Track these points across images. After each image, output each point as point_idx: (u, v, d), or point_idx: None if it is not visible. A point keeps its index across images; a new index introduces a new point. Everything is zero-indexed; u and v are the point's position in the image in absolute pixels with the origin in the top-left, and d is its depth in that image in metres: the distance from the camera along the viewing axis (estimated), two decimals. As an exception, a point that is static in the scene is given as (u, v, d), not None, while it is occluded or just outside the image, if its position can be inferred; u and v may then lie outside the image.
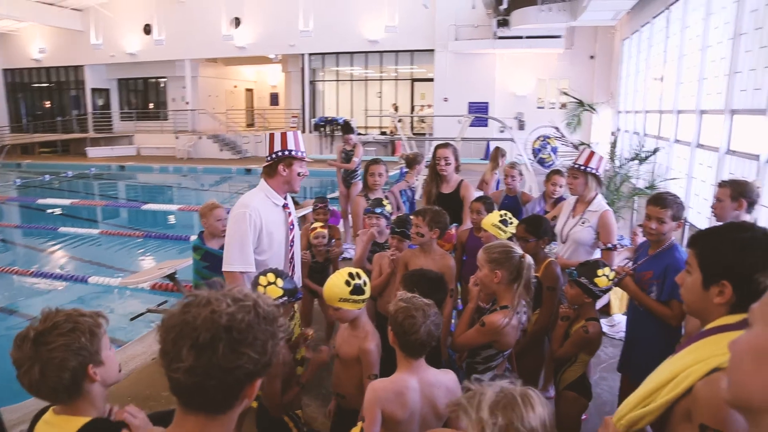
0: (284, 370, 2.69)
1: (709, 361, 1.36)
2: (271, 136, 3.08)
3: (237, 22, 23.69)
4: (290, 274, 3.10)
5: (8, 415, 3.66)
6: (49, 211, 13.84)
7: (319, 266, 4.52)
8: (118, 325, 6.31)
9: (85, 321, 1.60)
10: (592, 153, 3.85)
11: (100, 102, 28.66)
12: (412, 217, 3.54)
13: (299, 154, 3.09)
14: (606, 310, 5.83)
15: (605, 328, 5.50)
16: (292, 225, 3.23)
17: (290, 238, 3.22)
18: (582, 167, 3.79)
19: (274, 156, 3.06)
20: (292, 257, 3.26)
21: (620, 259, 6.29)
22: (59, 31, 25.92)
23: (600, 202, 3.85)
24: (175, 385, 1.09)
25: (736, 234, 1.50)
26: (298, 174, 3.12)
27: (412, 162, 6.23)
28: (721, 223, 2.15)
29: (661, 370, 1.52)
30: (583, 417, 3.74)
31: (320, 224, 4.34)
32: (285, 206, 3.20)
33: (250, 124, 29.32)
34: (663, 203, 2.99)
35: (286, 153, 3.05)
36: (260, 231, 3.04)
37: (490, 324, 2.50)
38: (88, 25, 24.89)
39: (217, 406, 1.12)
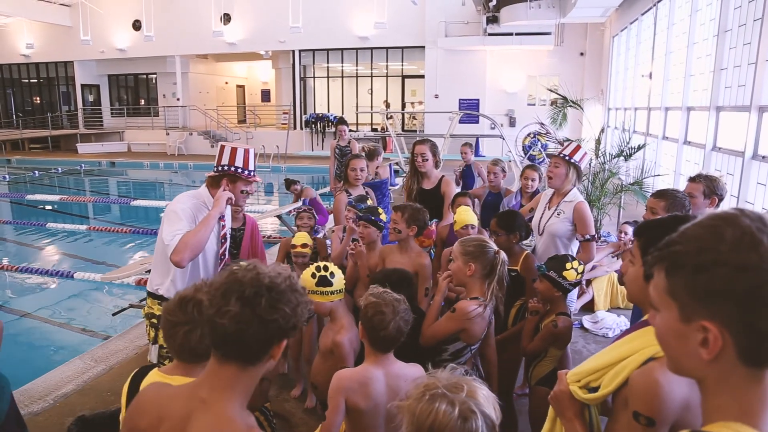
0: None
1: (645, 352, 1.42)
2: (221, 147, 2.98)
3: (227, 18, 23.59)
4: None
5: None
6: (39, 207, 13.76)
7: None
8: (101, 320, 6.40)
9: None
10: (579, 146, 3.88)
11: (91, 98, 28.52)
12: (391, 211, 3.52)
13: (245, 173, 2.99)
14: (590, 307, 5.86)
15: (588, 325, 5.51)
16: (225, 239, 3.14)
17: (221, 251, 3.15)
18: (566, 156, 3.81)
19: (219, 169, 2.96)
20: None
21: (605, 254, 6.36)
22: (48, 26, 25.76)
23: (575, 194, 3.86)
24: (220, 332, 1.24)
25: (681, 226, 1.51)
26: (242, 192, 3.03)
27: (371, 155, 6.15)
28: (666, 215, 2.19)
29: (606, 352, 1.58)
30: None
31: (301, 242, 3.97)
32: (221, 218, 3.08)
33: (242, 121, 29.22)
34: (659, 194, 3.03)
35: (231, 169, 2.95)
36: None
37: (461, 310, 2.51)
38: (77, 21, 24.64)
39: (250, 356, 1.28)
